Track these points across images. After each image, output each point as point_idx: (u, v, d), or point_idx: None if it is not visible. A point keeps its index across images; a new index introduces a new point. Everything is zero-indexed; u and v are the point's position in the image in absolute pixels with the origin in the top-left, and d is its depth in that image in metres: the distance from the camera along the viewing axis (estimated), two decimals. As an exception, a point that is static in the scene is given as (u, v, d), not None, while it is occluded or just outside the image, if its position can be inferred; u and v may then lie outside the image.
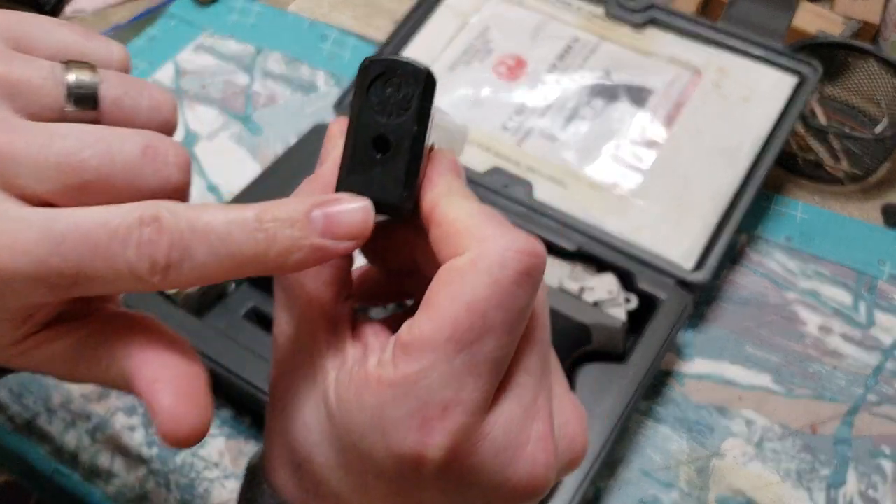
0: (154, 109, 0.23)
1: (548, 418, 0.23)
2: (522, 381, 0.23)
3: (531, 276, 0.21)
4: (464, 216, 0.22)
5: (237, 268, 0.20)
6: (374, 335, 0.24)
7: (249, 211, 0.21)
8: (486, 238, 0.21)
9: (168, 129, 0.24)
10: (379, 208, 0.22)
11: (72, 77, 0.22)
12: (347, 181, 0.23)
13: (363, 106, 0.22)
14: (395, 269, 0.28)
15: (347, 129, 0.23)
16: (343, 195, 0.22)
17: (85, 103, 0.22)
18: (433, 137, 0.25)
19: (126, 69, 0.24)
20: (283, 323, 0.24)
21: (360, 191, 0.22)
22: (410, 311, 0.24)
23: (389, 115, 0.22)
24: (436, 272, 0.22)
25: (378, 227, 0.23)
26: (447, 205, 0.23)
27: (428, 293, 0.22)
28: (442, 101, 0.59)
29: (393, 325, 0.24)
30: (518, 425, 0.22)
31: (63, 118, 0.21)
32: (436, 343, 0.21)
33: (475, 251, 0.21)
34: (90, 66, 0.22)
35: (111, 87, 0.22)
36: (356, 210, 0.22)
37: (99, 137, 0.21)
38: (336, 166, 0.23)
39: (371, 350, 0.23)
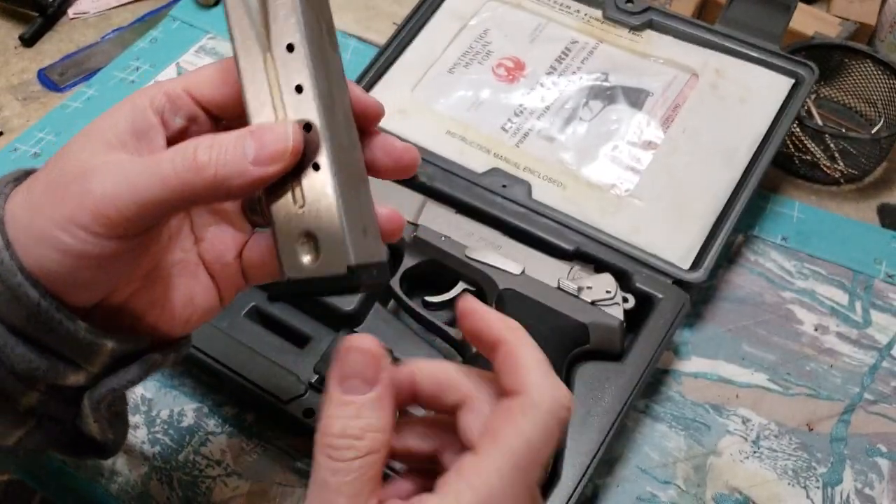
0: None
1: None
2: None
3: (565, 425, 0.27)
4: (528, 358, 0.28)
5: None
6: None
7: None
8: (542, 385, 0.27)
9: None
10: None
11: None
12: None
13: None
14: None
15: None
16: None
17: None
18: None
19: None
20: None
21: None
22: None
23: None
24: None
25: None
26: (515, 340, 0.28)
27: (491, 422, 0.27)
28: (442, 103, 0.60)
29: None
30: None
31: None
32: (502, 468, 0.26)
33: (533, 396, 0.27)
34: None
35: None
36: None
37: None
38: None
39: None
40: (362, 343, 0.27)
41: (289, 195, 0.27)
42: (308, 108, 0.27)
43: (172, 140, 0.29)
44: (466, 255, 0.50)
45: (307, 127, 0.27)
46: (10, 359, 0.27)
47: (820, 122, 0.64)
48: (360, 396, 0.27)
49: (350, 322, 0.48)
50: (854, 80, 0.65)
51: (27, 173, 0.29)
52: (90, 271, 0.27)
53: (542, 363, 0.28)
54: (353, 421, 0.26)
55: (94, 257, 0.26)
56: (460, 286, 0.50)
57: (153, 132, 0.28)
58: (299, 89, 0.27)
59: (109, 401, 0.31)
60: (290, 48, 0.27)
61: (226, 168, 0.26)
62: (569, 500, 0.42)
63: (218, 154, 0.26)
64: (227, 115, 0.30)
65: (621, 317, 0.47)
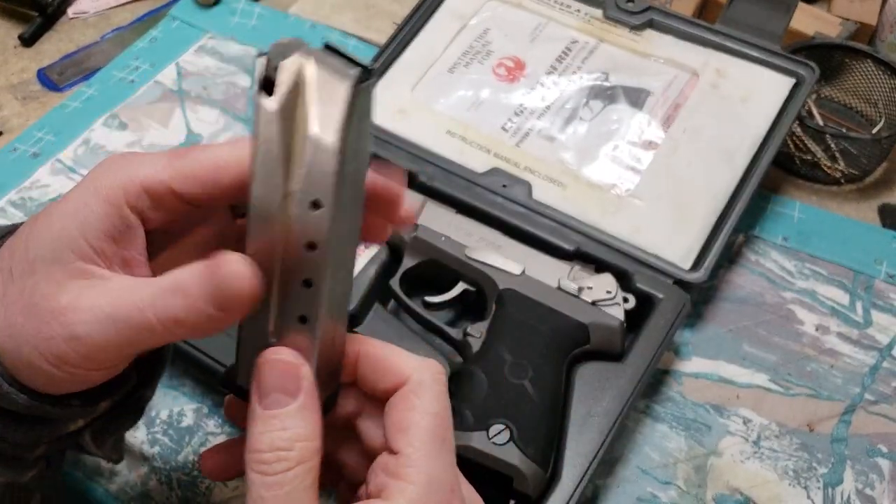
0: None
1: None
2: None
3: (446, 385, 0.30)
4: (386, 351, 0.30)
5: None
6: None
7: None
8: (415, 364, 0.29)
9: None
10: None
11: None
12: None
13: None
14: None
15: None
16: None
17: None
18: None
19: None
20: None
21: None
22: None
23: None
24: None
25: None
26: (366, 346, 0.30)
27: (393, 419, 0.28)
28: (442, 103, 0.60)
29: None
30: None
31: None
32: (428, 452, 0.27)
33: (414, 377, 0.29)
34: None
35: None
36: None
37: None
38: None
39: None
40: (278, 355, 0.27)
41: (266, 325, 0.27)
42: (309, 305, 0.27)
43: (152, 230, 0.28)
44: (466, 255, 0.50)
45: (307, 283, 0.27)
46: (15, 437, 0.29)
47: (821, 122, 0.64)
48: (283, 409, 0.27)
49: (350, 323, 0.48)
50: (855, 80, 0.65)
51: None
52: (81, 386, 0.28)
53: (397, 348, 0.30)
54: (279, 433, 0.26)
55: (85, 381, 0.28)
56: (460, 286, 0.50)
57: (132, 232, 0.27)
58: (311, 246, 0.26)
59: (111, 441, 0.33)
60: (316, 205, 0.25)
61: (209, 326, 0.26)
62: (569, 500, 0.42)
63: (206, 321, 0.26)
64: (213, 207, 0.29)
65: (622, 317, 0.47)
